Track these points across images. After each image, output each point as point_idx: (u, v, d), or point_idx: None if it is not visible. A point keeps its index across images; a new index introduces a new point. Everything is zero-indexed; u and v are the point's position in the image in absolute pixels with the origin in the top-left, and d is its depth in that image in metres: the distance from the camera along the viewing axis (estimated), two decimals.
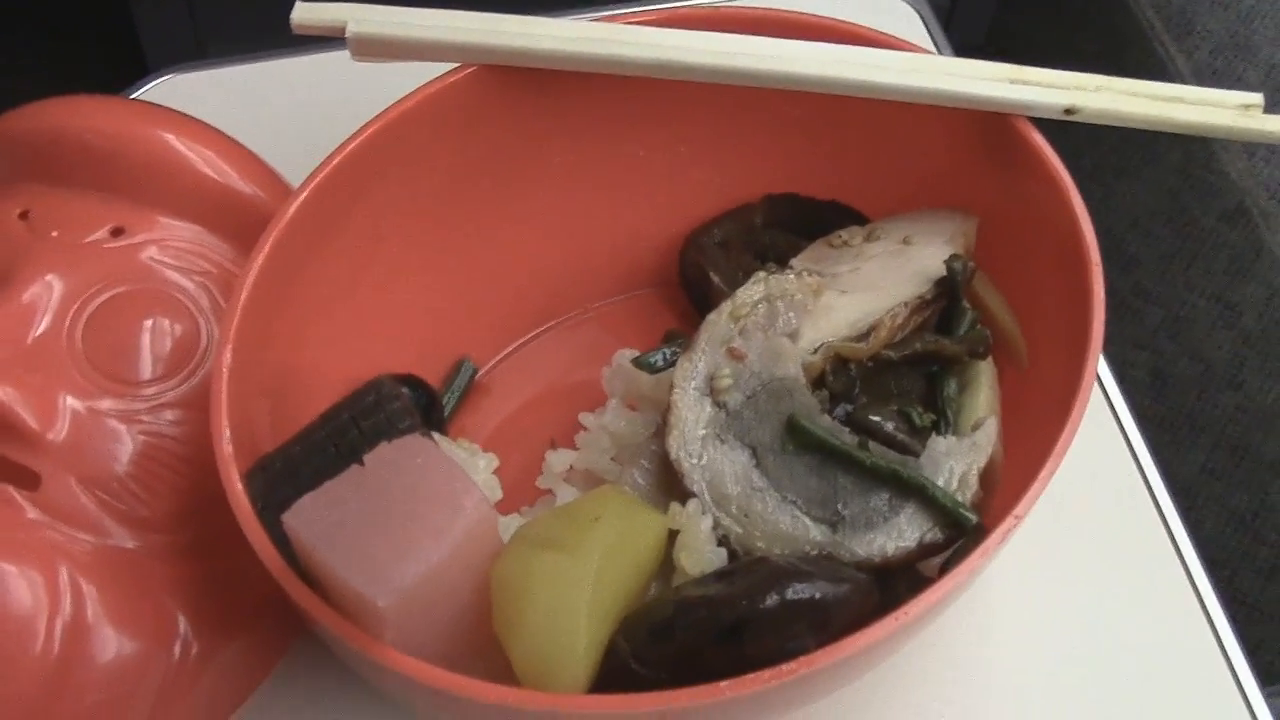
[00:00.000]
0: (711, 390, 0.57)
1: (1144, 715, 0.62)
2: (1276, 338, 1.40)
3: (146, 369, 0.62)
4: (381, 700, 0.59)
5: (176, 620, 0.59)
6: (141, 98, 0.80)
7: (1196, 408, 1.40)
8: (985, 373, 0.60)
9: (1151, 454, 0.69)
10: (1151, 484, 0.69)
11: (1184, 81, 1.35)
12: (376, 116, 0.61)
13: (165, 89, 0.81)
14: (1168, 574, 0.66)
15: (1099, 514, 0.67)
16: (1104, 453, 0.69)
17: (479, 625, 0.52)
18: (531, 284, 0.70)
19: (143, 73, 0.84)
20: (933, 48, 0.83)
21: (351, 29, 0.62)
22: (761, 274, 0.59)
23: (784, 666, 0.48)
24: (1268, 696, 0.64)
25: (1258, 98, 0.62)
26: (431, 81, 0.63)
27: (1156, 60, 1.42)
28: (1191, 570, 0.66)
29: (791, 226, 0.69)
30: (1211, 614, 0.65)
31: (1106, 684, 0.63)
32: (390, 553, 0.49)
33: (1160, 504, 0.68)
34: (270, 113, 0.79)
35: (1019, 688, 0.63)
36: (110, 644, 0.57)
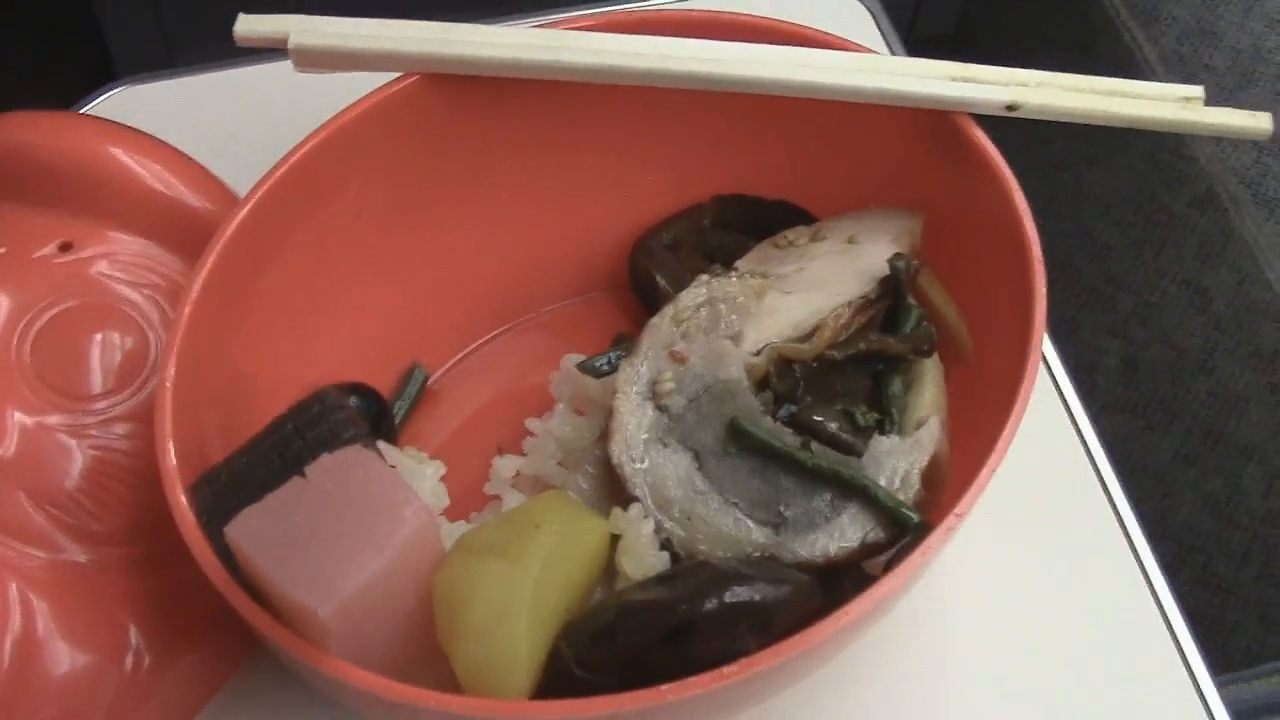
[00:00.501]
0: (654, 394, 0.57)
1: (1097, 703, 0.62)
2: (1247, 323, 1.41)
3: (96, 383, 0.62)
4: (335, 712, 0.59)
5: (129, 634, 0.59)
6: (97, 108, 0.80)
7: (1169, 394, 1.40)
8: (930, 370, 0.61)
9: (1101, 442, 0.70)
10: (1102, 472, 0.69)
11: (1152, 68, 1.35)
12: (320, 126, 0.62)
13: (122, 99, 0.81)
14: (1119, 562, 0.66)
15: (1051, 505, 0.67)
16: (1054, 443, 0.69)
17: (424, 633, 0.52)
18: (483, 289, 0.70)
19: (111, 79, 0.84)
20: (883, 45, 0.84)
21: (294, 40, 0.62)
22: (704, 277, 0.59)
23: (726, 669, 0.48)
24: (1219, 685, 0.65)
25: (1198, 90, 0.63)
26: (376, 90, 0.63)
27: (1124, 47, 1.42)
28: (1142, 557, 0.66)
29: (740, 227, 0.69)
30: (1162, 600, 0.65)
31: (1060, 674, 0.63)
32: (332, 563, 0.49)
33: (1110, 492, 0.68)
34: (228, 122, 0.79)
35: (972, 679, 0.63)
36: (62, 658, 0.57)
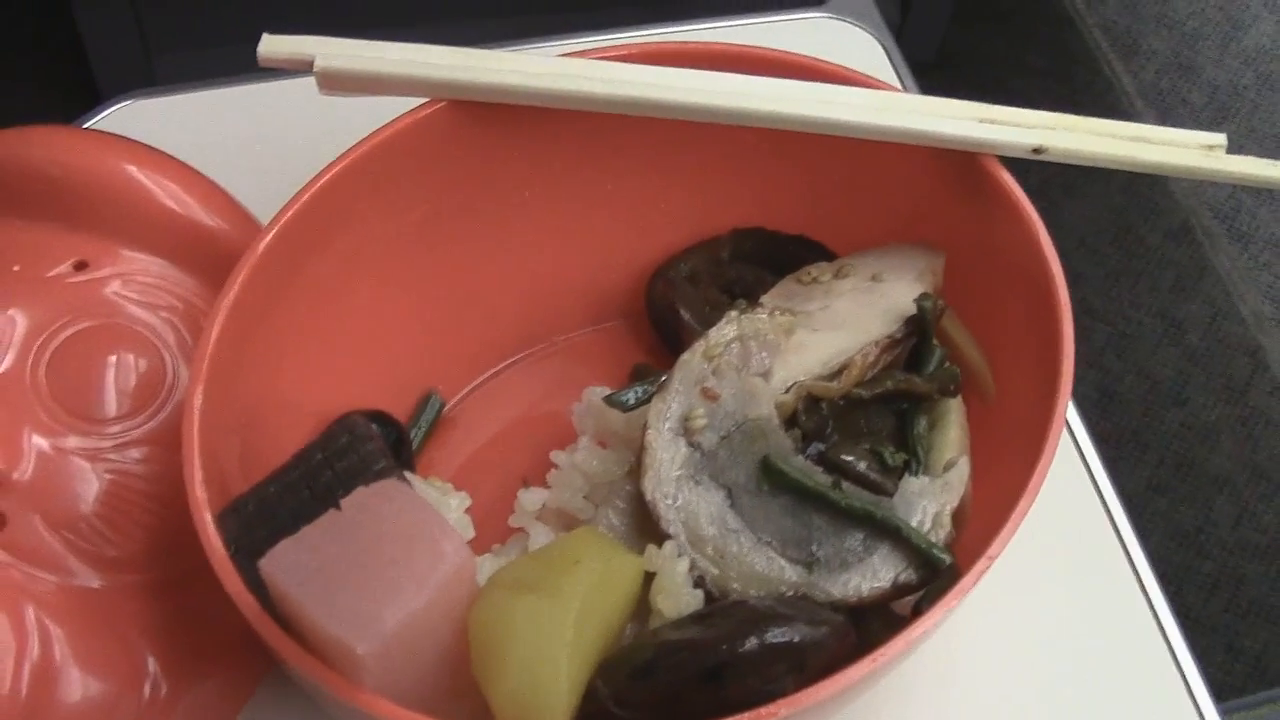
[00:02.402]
0: (686, 430, 0.57)
1: None
2: (1220, 355, 1.42)
3: (112, 406, 0.61)
4: None
5: (146, 660, 0.59)
6: (96, 127, 0.79)
7: (1142, 424, 1.41)
8: (955, 410, 0.61)
9: (1108, 473, 0.70)
10: (1109, 503, 0.69)
11: (1131, 101, 1.36)
12: (345, 153, 0.61)
13: (122, 117, 0.80)
14: (1124, 593, 0.67)
15: (1056, 536, 0.68)
16: (1060, 476, 0.70)
17: (458, 669, 0.52)
18: (499, 317, 0.70)
19: (93, 100, 0.83)
20: (894, 76, 0.84)
21: (320, 64, 0.61)
22: (733, 313, 0.59)
23: (763, 709, 0.48)
24: (1222, 712, 0.65)
25: (1220, 138, 0.63)
26: (401, 117, 0.62)
27: (1104, 79, 1.43)
28: (1148, 588, 0.67)
29: (758, 260, 0.69)
30: (1167, 631, 0.65)
31: (1066, 703, 0.63)
32: (370, 599, 0.49)
33: (1118, 525, 0.69)
34: (228, 141, 0.78)
35: (980, 707, 0.63)
36: (79, 686, 0.57)
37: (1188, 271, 1.42)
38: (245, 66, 0.67)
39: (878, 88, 0.64)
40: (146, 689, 0.58)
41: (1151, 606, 0.67)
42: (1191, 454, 1.41)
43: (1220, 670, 1.30)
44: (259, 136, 0.79)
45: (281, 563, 0.50)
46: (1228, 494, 1.40)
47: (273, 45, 0.62)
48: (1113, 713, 0.63)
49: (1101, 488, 0.70)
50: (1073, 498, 0.69)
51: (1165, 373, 1.43)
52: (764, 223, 0.70)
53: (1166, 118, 1.40)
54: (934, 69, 1.53)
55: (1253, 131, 1.41)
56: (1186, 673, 0.65)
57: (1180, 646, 0.66)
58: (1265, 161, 0.63)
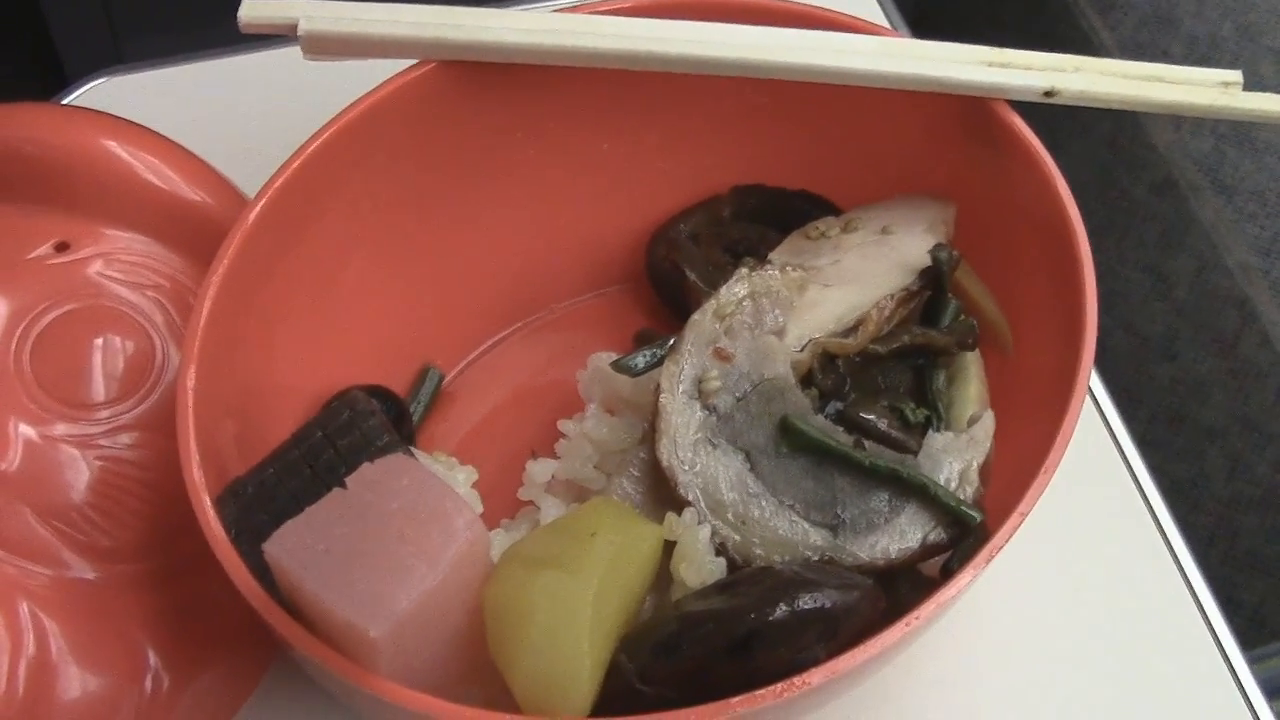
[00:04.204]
0: (700, 394, 0.55)
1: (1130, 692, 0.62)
2: (1208, 308, 1.41)
3: (100, 391, 0.59)
4: None
5: (146, 653, 0.57)
6: (75, 102, 0.76)
7: (1133, 380, 1.40)
8: (973, 363, 0.59)
9: (1121, 419, 0.69)
10: (1125, 451, 0.68)
11: (1110, 55, 1.35)
12: (333, 119, 0.59)
13: (97, 95, 0.77)
14: (1158, 564, 0.65)
15: (1072, 486, 0.66)
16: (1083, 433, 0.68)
17: (471, 649, 0.50)
18: (496, 285, 0.68)
19: (61, 84, 0.80)
20: (889, 27, 0.82)
21: (304, 26, 0.59)
22: (744, 270, 0.57)
23: (796, 679, 0.47)
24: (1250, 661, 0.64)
25: (1236, 75, 0.61)
26: (388, 80, 0.60)
27: (1081, 33, 1.42)
28: (1180, 559, 0.65)
29: (760, 218, 0.67)
30: (1206, 608, 0.64)
31: (1093, 667, 0.62)
32: (381, 580, 0.47)
33: (1140, 481, 0.68)
34: (208, 116, 0.76)
35: (1005, 667, 0.62)
36: (77, 681, 0.55)
37: (1173, 225, 1.41)
38: (211, 40, 0.65)
39: (883, 34, 0.62)
40: (148, 682, 0.56)
41: (1176, 558, 0.65)
42: (1183, 408, 1.40)
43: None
44: (239, 110, 0.77)
45: (287, 546, 0.48)
46: (1220, 447, 1.39)
47: (254, 9, 0.60)
48: (1142, 664, 0.62)
49: (1117, 434, 0.68)
50: (1089, 447, 0.68)
51: (1154, 328, 1.42)
52: (765, 179, 0.68)
53: None
54: (911, 25, 1.51)
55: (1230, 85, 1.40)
56: (1212, 619, 0.64)
57: (1209, 603, 0.65)
58: None
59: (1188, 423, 1.36)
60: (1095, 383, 0.70)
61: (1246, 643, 0.68)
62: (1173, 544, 0.66)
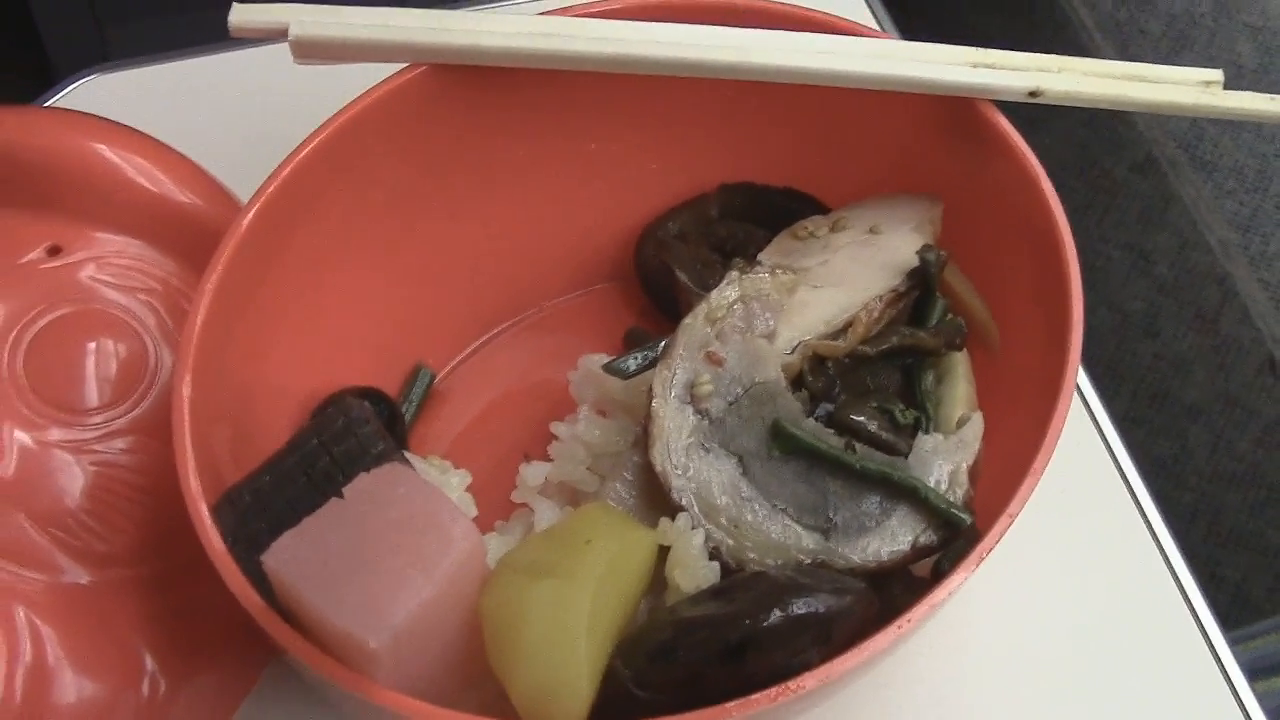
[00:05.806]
0: (692, 398, 0.55)
1: (1120, 685, 0.62)
2: (1189, 285, 1.42)
3: (94, 395, 0.60)
4: None
5: (142, 657, 0.57)
6: (58, 106, 0.76)
7: (1116, 357, 1.41)
8: (961, 363, 0.60)
9: (1105, 408, 0.69)
10: (1116, 454, 0.69)
11: (1090, 35, 1.35)
12: (325, 124, 0.59)
13: (83, 94, 0.77)
14: (1139, 547, 0.66)
15: (1061, 482, 0.67)
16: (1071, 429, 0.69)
17: (469, 656, 0.50)
18: (486, 284, 0.68)
19: (46, 80, 0.79)
20: (876, 27, 0.82)
21: (294, 31, 0.59)
22: (734, 273, 0.58)
23: (790, 684, 0.47)
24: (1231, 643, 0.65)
25: (1217, 74, 0.62)
26: (377, 85, 0.60)
27: (1061, 13, 1.42)
28: (1162, 541, 0.66)
29: (748, 216, 0.68)
30: (1187, 590, 0.65)
31: (1083, 664, 0.63)
32: (378, 590, 0.47)
33: (1125, 473, 0.68)
34: (196, 115, 0.76)
35: (997, 663, 0.62)
36: (74, 687, 0.55)
37: (1153, 203, 1.42)
38: (202, 36, 0.65)
39: (869, 35, 0.62)
40: (144, 687, 0.57)
41: (1157, 541, 0.66)
42: (1165, 385, 1.41)
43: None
44: (228, 107, 0.76)
45: (285, 557, 0.48)
46: (1202, 423, 1.40)
47: (244, 14, 0.60)
48: (1127, 653, 0.63)
49: (1095, 414, 0.69)
50: (1069, 427, 0.68)
51: (1136, 305, 1.43)
52: (752, 177, 0.68)
53: (1126, 49, 1.39)
54: (887, 7, 1.51)
55: (1211, 60, 1.40)
56: (1193, 600, 0.65)
57: (1190, 585, 0.65)
58: (1264, 96, 0.62)
59: (1170, 400, 1.37)
60: (1080, 375, 0.70)
61: (1230, 618, 0.69)
62: (1153, 525, 0.67)
